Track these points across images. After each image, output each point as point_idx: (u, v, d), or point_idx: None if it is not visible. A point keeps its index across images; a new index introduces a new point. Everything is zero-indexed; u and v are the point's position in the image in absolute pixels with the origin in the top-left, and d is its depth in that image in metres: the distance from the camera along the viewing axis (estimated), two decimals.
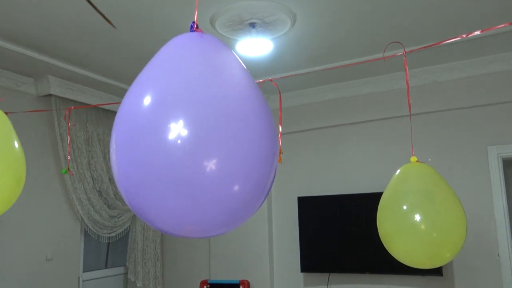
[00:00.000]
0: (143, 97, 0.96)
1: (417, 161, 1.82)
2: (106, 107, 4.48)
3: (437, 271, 3.71)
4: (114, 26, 2.65)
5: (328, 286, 4.24)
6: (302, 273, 4.39)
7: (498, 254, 3.62)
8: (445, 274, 3.77)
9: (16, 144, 1.52)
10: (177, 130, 0.89)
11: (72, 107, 2.70)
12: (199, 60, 1.00)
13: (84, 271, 4.36)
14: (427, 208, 1.64)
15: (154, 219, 0.97)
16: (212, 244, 4.77)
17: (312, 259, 4.25)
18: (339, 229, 4.16)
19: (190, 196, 0.91)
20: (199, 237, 1.03)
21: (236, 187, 0.94)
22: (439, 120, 4.01)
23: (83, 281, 4.29)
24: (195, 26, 1.06)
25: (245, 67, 1.08)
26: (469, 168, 3.84)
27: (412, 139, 3.94)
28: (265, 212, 4.58)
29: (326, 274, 4.25)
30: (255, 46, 3.24)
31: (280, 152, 1.63)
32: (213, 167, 0.90)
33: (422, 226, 1.61)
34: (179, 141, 0.89)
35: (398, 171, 1.82)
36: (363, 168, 4.27)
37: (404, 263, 1.73)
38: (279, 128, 1.78)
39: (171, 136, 0.89)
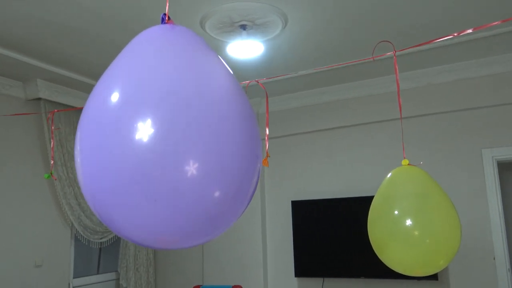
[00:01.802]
0: (109, 95, 0.87)
1: (408, 164, 1.75)
2: None
3: (432, 276, 3.66)
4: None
5: None
6: (296, 278, 4.34)
7: (494, 258, 3.58)
8: (440, 279, 3.73)
9: None
10: (147, 131, 0.81)
11: (56, 110, 2.64)
12: (171, 55, 0.91)
13: (74, 277, 4.29)
14: (419, 213, 1.57)
15: (124, 229, 0.89)
16: (206, 249, 4.71)
17: (306, 264, 4.20)
18: (334, 233, 4.11)
19: (164, 204, 0.83)
20: (176, 248, 0.94)
21: (215, 193, 0.86)
22: (433, 123, 3.97)
23: (73, 287, 4.22)
24: (166, 18, 0.99)
25: (224, 63, 0.99)
26: (463, 171, 3.80)
27: (406, 142, 3.91)
28: (259, 216, 4.52)
29: (321, 279, 4.20)
30: (246, 49, 3.19)
31: (267, 156, 1.59)
32: (190, 171, 0.82)
33: (415, 232, 1.55)
34: (149, 143, 0.80)
35: (389, 174, 1.76)
36: (357, 171, 4.23)
37: (395, 270, 1.67)
38: (266, 130, 1.73)
39: (141, 137, 0.81)
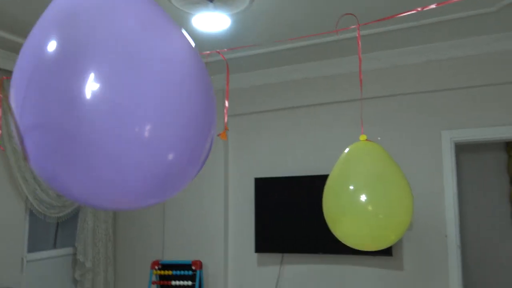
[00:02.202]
0: (52, 39, 0.78)
1: (366, 139, 1.76)
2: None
3: (387, 252, 3.79)
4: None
5: (282, 266, 4.26)
6: (256, 254, 4.39)
7: (446, 235, 3.73)
8: (395, 254, 3.87)
9: None
10: (95, 85, 0.75)
11: (4, 78, 2.48)
12: (129, 13, 0.85)
13: (29, 251, 4.15)
14: (372, 189, 1.58)
15: (73, 190, 0.85)
16: (167, 224, 4.67)
17: (267, 240, 4.25)
18: (294, 210, 4.16)
19: (113, 164, 0.79)
20: (125, 209, 0.92)
21: (167, 154, 0.84)
22: (396, 104, 4.03)
23: (27, 261, 4.09)
24: None
25: (179, 27, 0.95)
26: (422, 151, 3.90)
27: (368, 122, 3.96)
28: (222, 192, 4.51)
29: (280, 255, 4.27)
30: (212, 21, 3.10)
31: (225, 129, 1.55)
32: (142, 132, 0.78)
33: (367, 208, 1.56)
34: (97, 98, 0.75)
35: (347, 149, 1.75)
36: (320, 150, 4.26)
37: (347, 244, 1.68)
38: (225, 103, 1.68)
39: (88, 92, 0.74)
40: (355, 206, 1.55)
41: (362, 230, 1.54)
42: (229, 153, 4.66)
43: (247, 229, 4.45)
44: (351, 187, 1.59)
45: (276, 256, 4.30)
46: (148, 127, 0.79)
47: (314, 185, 4.12)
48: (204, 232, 4.51)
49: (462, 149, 5.49)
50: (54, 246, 4.57)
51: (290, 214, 4.17)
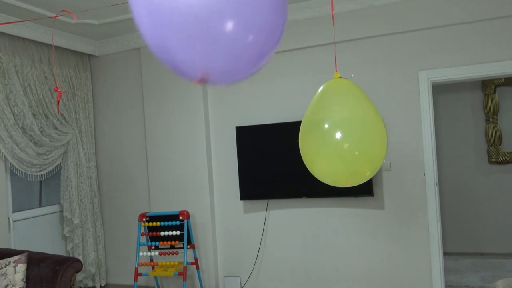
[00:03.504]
0: None
1: (340, 77, 1.75)
2: (23, 35, 4.03)
3: (367, 192, 3.91)
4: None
5: (268, 212, 4.38)
6: (242, 201, 4.48)
7: (424, 174, 3.85)
8: (375, 195, 3.99)
9: None
10: None
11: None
12: None
13: (14, 211, 4.16)
14: (347, 125, 1.59)
15: (176, 60, 1.08)
16: (151, 178, 4.70)
17: (251, 187, 4.32)
18: (276, 156, 4.21)
19: (209, 43, 1.03)
20: (215, 83, 1.21)
21: (250, 37, 1.09)
22: (373, 46, 4.00)
23: (14, 221, 4.11)
24: None
25: None
26: (401, 92, 3.93)
27: (346, 64, 3.94)
28: (204, 142, 4.51)
29: (265, 201, 4.37)
30: None
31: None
32: (232, 23, 1.03)
33: (343, 144, 1.58)
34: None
35: (321, 88, 1.75)
36: (298, 97, 4.25)
37: (324, 182, 1.72)
38: None
39: None
40: (330, 143, 1.56)
41: (337, 167, 1.56)
42: (209, 103, 4.62)
43: (231, 178, 4.51)
44: (326, 125, 1.59)
45: (261, 203, 4.40)
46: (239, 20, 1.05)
47: (292, 131, 4.15)
48: (189, 184, 4.56)
49: (439, 91, 5.55)
50: (40, 205, 4.58)
51: (273, 161, 4.23)
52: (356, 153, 1.53)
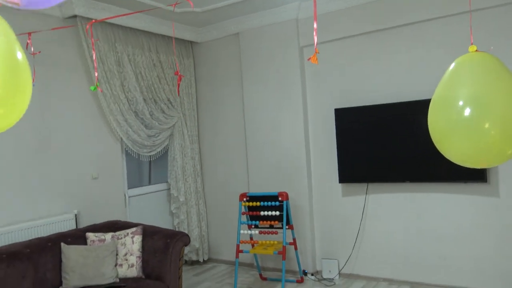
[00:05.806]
0: None
1: (476, 50, 1.59)
2: (134, 26, 4.35)
3: (481, 177, 3.61)
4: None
5: (367, 196, 4.26)
6: (340, 184, 4.41)
7: None
8: (490, 181, 3.67)
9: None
10: None
11: (94, 21, 2.59)
12: None
13: (129, 188, 4.57)
14: (486, 101, 1.43)
15: None
16: (250, 159, 4.83)
17: (350, 170, 4.23)
18: (377, 139, 4.06)
19: None
20: None
21: None
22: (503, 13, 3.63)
23: (129, 197, 4.51)
24: None
25: None
26: None
27: (467, 35, 3.63)
28: (301, 125, 4.51)
29: (365, 184, 4.25)
30: None
31: (315, 52, 1.50)
32: None
33: (480, 121, 1.43)
34: None
35: (453, 63, 1.61)
36: (404, 76, 4.03)
37: (456, 162, 1.58)
38: (314, 25, 1.61)
39: None
40: (466, 120, 1.44)
41: (473, 146, 1.44)
42: (307, 85, 4.58)
43: (329, 160, 4.46)
44: (461, 102, 1.47)
45: (360, 186, 4.29)
46: None
47: (396, 112, 3.97)
48: (287, 166, 4.60)
49: None
50: (149, 183, 4.97)
51: (373, 143, 4.09)
52: (497, 129, 1.40)
